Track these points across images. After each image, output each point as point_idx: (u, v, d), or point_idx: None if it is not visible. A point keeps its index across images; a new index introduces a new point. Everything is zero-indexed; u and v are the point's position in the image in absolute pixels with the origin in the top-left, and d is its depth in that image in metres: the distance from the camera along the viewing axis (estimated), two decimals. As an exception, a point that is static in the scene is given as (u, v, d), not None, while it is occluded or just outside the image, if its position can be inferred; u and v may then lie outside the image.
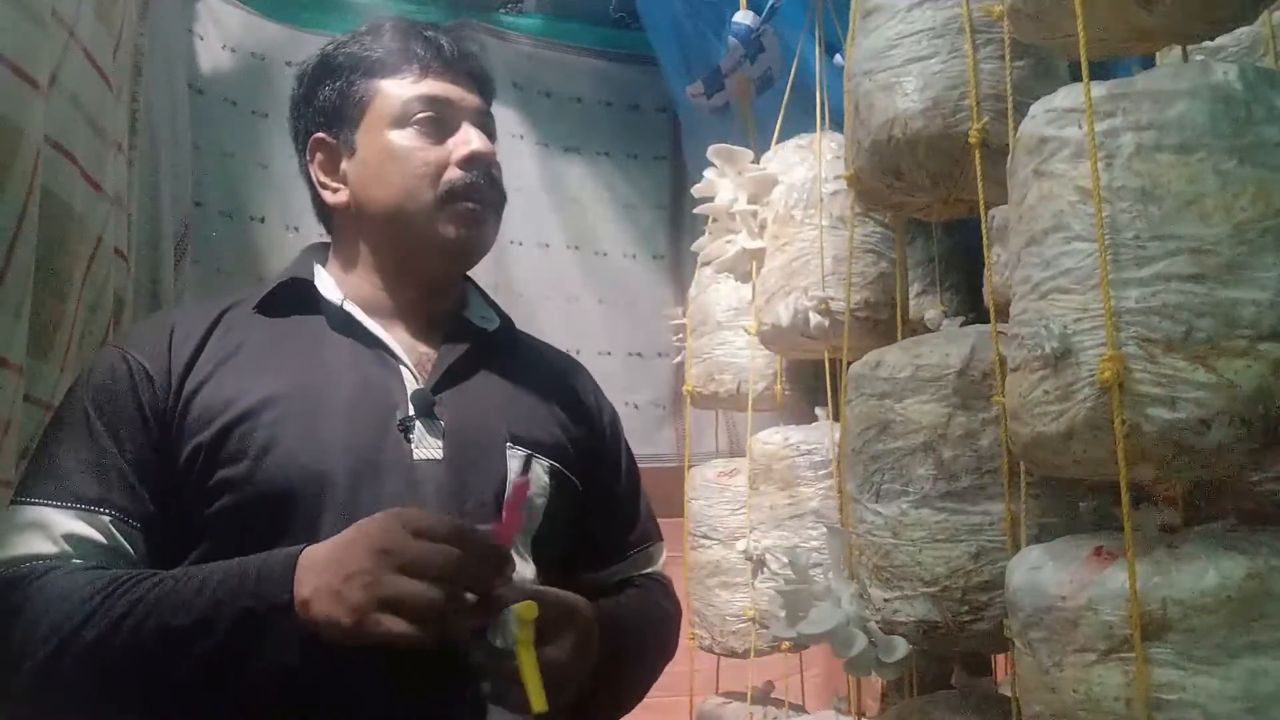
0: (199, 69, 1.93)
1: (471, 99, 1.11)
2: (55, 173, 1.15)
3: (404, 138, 1.08)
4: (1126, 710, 0.67)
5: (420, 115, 1.08)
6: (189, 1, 1.93)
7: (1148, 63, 1.03)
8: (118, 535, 0.91)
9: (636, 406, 2.28)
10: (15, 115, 1.02)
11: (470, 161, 1.07)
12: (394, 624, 0.80)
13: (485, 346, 1.12)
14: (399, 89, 1.09)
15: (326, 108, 1.12)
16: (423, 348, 1.08)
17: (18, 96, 1.02)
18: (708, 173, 1.57)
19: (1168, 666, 0.66)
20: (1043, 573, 0.74)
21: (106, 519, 0.91)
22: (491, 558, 0.85)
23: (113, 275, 1.35)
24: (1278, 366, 0.66)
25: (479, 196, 1.08)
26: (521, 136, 2.27)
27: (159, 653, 0.83)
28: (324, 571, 0.83)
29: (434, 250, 1.09)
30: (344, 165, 1.11)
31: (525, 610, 0.86)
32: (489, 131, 1.12)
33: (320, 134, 1.12)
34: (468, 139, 1.08)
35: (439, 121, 1.08)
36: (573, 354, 1.30)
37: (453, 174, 1.07)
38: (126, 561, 0.91)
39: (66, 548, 0.89)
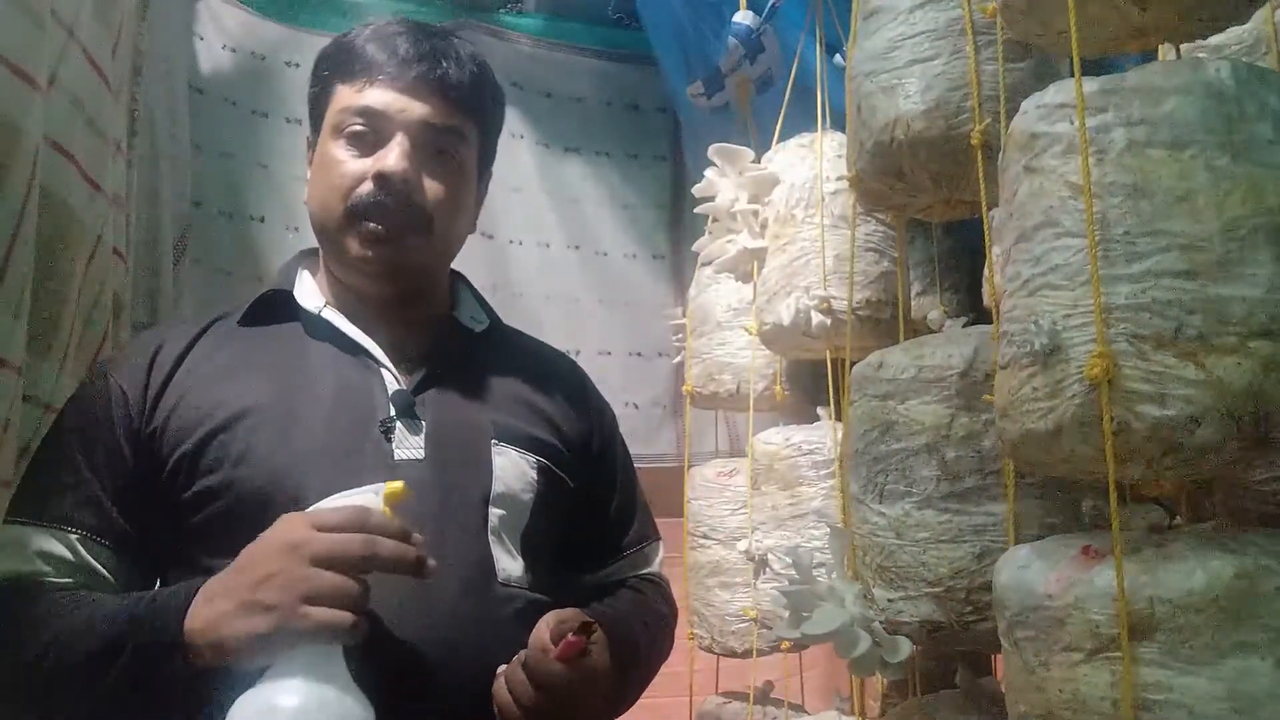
0: (199, 69, 1.94)
1: (419, 109, 1.05)
2: (54, 173, 1.16)
3: (335, 148, 1.06)
4: (1113, 710, 0.66)
5: (350, 127, 1.05)
6: (189, 1, 1.93)
7: (1146, 62, 1.02)
8: (84, 553, 0.94)
9: (636, 406, 2.28)
10: (14, 115, 1.02)
11: (379, 179, 1.03)
12: (323, 615, 0.80)
13: (473, 347, 1.13)
14: (345, 97, 1.06)
15: (310, 109, 1.13)
16: (408, 349, 1.08)
17: (17, 96, 1.03)
18: (708, 173, 1.57)
19: (1155, 666, 0.65)
20: (1030, 571, 0.74)
21: (74, 537, 0.94)
22: (397, 534, 0.85)
23: (112, 275, 1.35)
24: (1268, 364, 0.66)
25: (382, 216, 1.03)
26: (521, 136, 2.27)
27: (75, 685, 0.86)
28: (230, 590, 0.83)
29: (347, 266, 1.07)
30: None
31: (390, 486, 0.87)
32: (441, 144, 1.07)
33: (310, 134, 1.13)
34: (386, 155, 1.03)
35: (371, 134, 1.05)
36: (573, 354, 1.30)
37: (362, 190, 1.03)
38: (96, 576, 0.95)
39: (39, 564, 0.93)
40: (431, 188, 1.06)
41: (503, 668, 0.92)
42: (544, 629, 0.92)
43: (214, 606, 0.83)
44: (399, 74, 1.05)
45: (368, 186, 1.03)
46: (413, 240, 1.05)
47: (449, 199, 1.08)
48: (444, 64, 1.07)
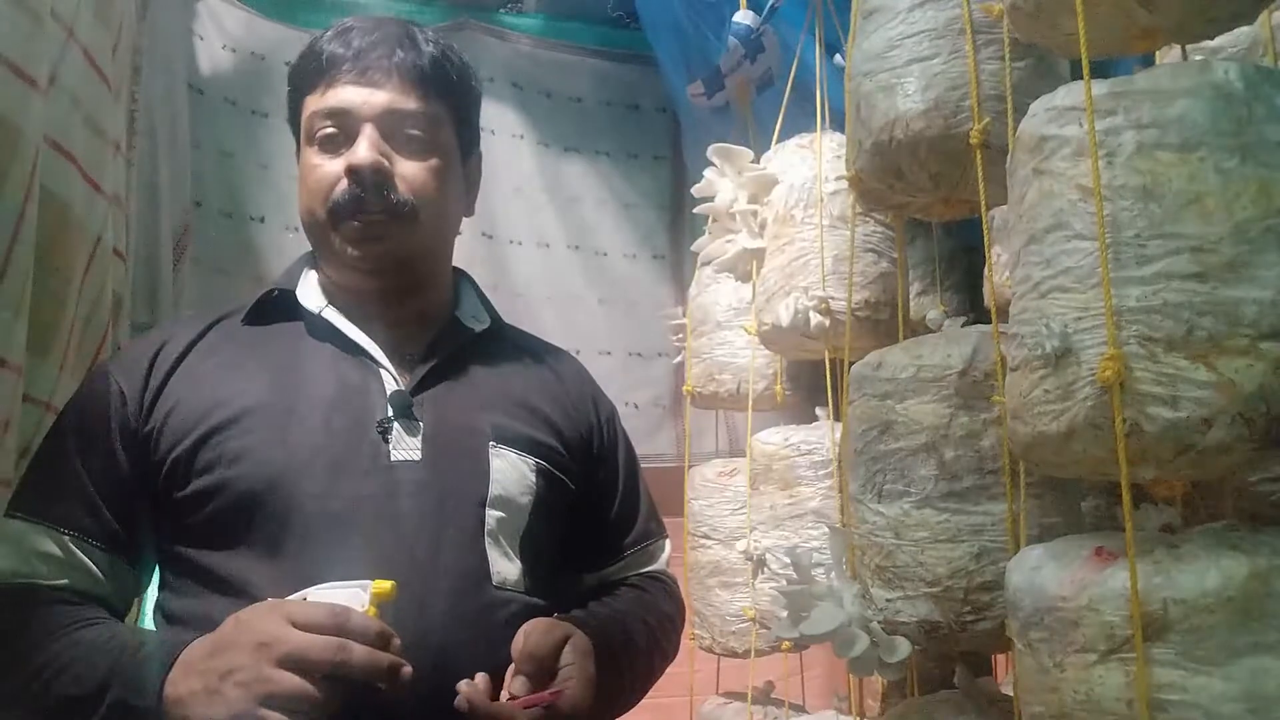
0: (199, 69, 1.93)
1: (380, 97, 1.05)
2: (54, 172, 1.16)
3: (310, 155, 1.07)
4: (1128, 711, 0.66)
5: (320, 131, 1.06)
6: (189, 1, 1.93)
7: (1148, 63, 1.03)
8: (77, 553, 0.95)
9: (636, 406, 2.27)
10: (14, 115, 1.02)
11: (352, 175, 1.03)
12: None
13: (473, 347, 1.12)
14: (312, 104, 1.07)
15: (289, 123, 1.15)
16: (409, 349, 1.08)
17: (17, 96, 1.02)
18: (708, 173, 1.57)
19: (1169, 667, 0.65)
20: (1043, 573, 0.74)
21: (67, 538, 0.95)
22: (375, 639, 0.83)
23: (111, 275, 1.35)
24: (1279, 365, 0.66)
25: (363, 210, 1.03)
26: (521, 136, 2.27)
27: (57, 714, 0.88)
28: (202, 670, 0.83)
29: (341, 265, 1.08)
30: None
31: (378, 585, 0.85)
32: (411, 129, 1.06)
33: (296, 148, 1.14)
34: (355, 150, 1.03)
35: (340, 133, 1.05)
36: (573, 354, 1.30)
37: (339, 189, 1.04)
38: (89, 576, 0.96)
39: (34, 564, 0.94)
40: (408, 174, 1.05)
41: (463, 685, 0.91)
42: (518, 643, 0.93)
43: (189, 682, 0.83)
44: (355, 67, 1.05)
45: (343, 184, 1.03)
46: (397, 229, 1.05)
47: (430, 183, 1.07)
48: (399, 50, 1.07)
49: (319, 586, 0.87)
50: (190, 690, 0.82)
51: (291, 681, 0.80)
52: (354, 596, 0.85)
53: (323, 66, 1.06)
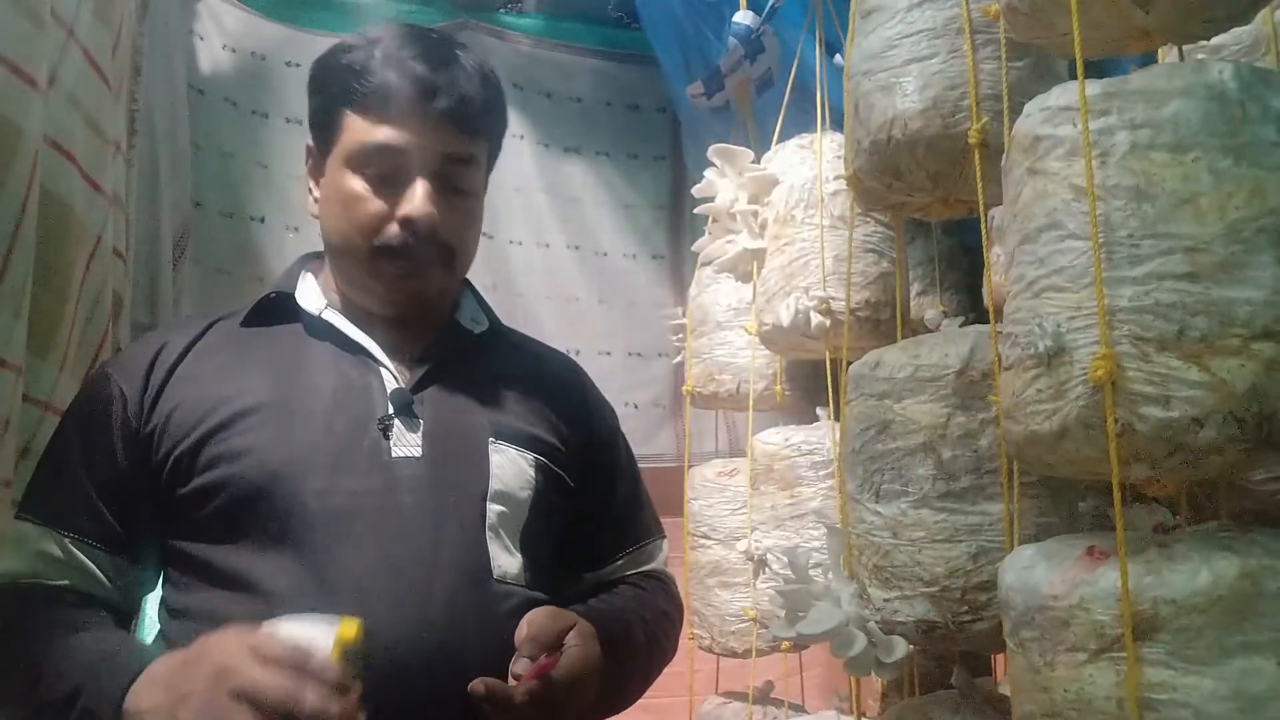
0: (199, 69, 1.94)
1: (439, 144, 1.03)
2: (54, 172, 1.16)
3: (354, 182, 1.04)
4: (1118, 710, 0.66)
5: (370, 164, 1.03)
6: (189, 1, 1.94)
7: (1147, 63, 1.03)
8: (77, 554, 0.97)
9: (636, 406, 2.28)
10: (14, 115, 1.02)
11: (407, 223, 1.02)
12: None
13: (473, 348, 1.13)
14: (361, 130, 1.03)
15: (313, 122, 1.11)
16: (409, 349, 1.09)
17: (17, 96, 1.03)
18: (708, 173, 1.58)
19: (1159, 666, 0.65)
20: (1035, 572, 0.74)
21: (68, 540, 0.97)
22: (332, 687, 0.80)
23: (111, 275, 1.35)
24: (1271, 365, 0.66)
25: (410, 257, 1.03)
26: (521, 136, 2.28)
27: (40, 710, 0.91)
28: (165, 686, 0.84)
29: (367, 293, 1.08)
30: (319, 181, 1.11)
31: (345, 627, 0.82)
32: (459, 175, 1.06)
33: (310, 143, 1.13)
34: (412, 198, 1.02)
35: (394, 172, 1.03)
36: (573, 354, 1.31)
37: (389, 231, 1.03)
38: (89, 577, 0.98)
39: (37, 564, 0.97)
40: (452, 221, 1.06)
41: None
42: (521, 629, 0.93)
43: (151, 696, 0.84)
44: (417, 109, 1.02)
45: (394, 229, 1.02)
46: (436, 272, 1.07)
47: (468, 226, 1.09)
48: (460, 91, 1.05)
49: (292, 617, 0.85)
50: (151, 705, 0.84)
51: (242, 716, 0.79)
52: (323, 634, 0.83)
53: (378, 93, 1.03)
